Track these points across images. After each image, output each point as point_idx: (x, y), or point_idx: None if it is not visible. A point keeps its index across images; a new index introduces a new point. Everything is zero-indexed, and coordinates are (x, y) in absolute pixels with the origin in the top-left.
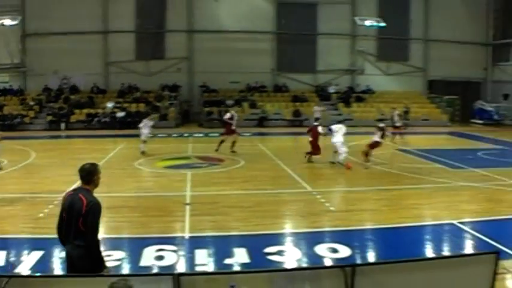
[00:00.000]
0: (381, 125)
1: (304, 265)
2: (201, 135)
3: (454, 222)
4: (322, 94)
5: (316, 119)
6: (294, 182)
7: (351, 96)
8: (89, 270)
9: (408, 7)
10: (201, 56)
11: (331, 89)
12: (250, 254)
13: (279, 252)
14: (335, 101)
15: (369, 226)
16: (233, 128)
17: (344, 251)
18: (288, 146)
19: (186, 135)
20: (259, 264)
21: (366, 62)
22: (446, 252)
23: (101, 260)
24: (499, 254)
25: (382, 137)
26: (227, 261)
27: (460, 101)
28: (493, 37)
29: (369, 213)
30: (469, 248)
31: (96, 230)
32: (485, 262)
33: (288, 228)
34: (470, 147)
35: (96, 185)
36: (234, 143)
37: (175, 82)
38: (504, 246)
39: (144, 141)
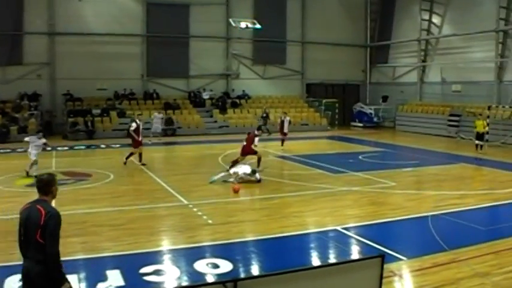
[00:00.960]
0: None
1: (184, 283)
2: (65, 148)
3: (338, 228)
4: (195, 100)
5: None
6: (168, 195)
7: (226, 102)
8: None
9: (285, 9)
10: (64, 61)
11: (205, 95)
12: (125, 275)
13: (156, 272)
14: (210, 108)
15: (250, 238)
16: (140, 139)
17: (225, 266)
18: (161, 156)
19: (48, 148)
20: (135, 286)
21: (241, 65)
22: (331, 259)
23: (60, 274)
24: (384, 258)
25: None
26: (100, 286)
27: (339, 104)
28: (371, 39)
29: (250, 224)
30: (354, 253)
31: (56, 241)
32: (371, 266)
33: (164, 245)
34: (350, 151)
35: (54, 196)
36: (140, 154)
37: (35, 90)
38: (389, 249)
39: (33, 164)
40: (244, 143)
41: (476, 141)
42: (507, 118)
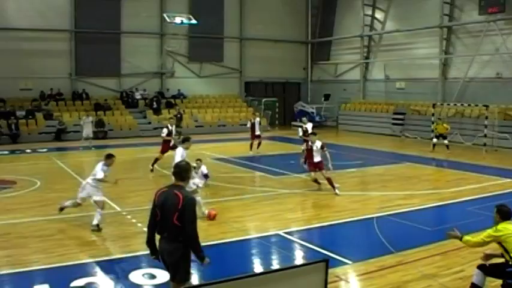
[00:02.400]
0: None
1: None
2: None
3: (280, 232)
4: (128, 101)
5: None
6: None
7: (160, 102)
8: (179, 265)
9: (222, 4)
10: None
11: (138, 95)
12: None
13: (89, 285)
14: (143, 108)
15: None
16: (171, 144)
17: (162, 276)
18: (91, 161)
19: None
20: None
21: (176, 63)
22: (274, 265)
23: (201, 252)
24: (328, 262)
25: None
26: None
27: (279, 103)
28: (312, 35)
29: None
30: (298, 258)
31: (195, 224)
32: (315, 271)
33: (97, 256)
34: (292, 152)
35: (187, 183)
36: (156, 160)
37: None
38: (334, 253)
39: None
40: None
41: (435, 140)
42: (452, 116)
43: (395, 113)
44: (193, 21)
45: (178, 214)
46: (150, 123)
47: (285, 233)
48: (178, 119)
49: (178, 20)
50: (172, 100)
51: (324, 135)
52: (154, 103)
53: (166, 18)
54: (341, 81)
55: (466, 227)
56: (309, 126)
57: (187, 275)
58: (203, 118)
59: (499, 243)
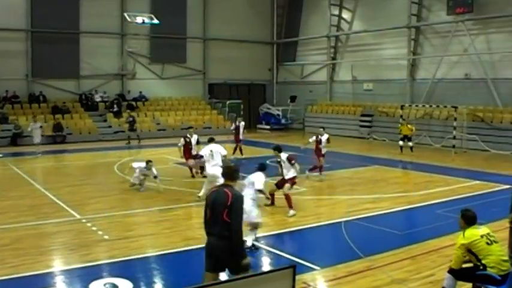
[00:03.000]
0: None
1: None
2: None
3: (246, 238)
4: (87, 103)
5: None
6: (59, 210)
7: (121, 104)
8: (230, 260)
9: (185, 3)
10: None
11: (98, 97)
12: None
13: None
14: (103, 111)
15: (151, 253)
16: (193, 154)
17: (125, 286)
18: (49, 167)
19: None
20: None
21: (137, 64)
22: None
23: (243, 248)
24: (295, 268)
25: None
26: None
27: (244, 105)
28: (278, 35)
29: (150, 239)
30: (264, 264)
31: (241, 220)
32: (282, 278)
33: (55, 265)
34: (257, 156)
35: (236, 183)
36: (191, 169)
37: None
38: (301, 259)
39: None
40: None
41: (401, 143)
42: (421, 117)
43: (362, 115)
44: (155, 21)
45: (227, 211)
46: (110, 126)
47: (252, 239)
48: (131, 124)
49: (139, 19)
50: (133, 103)
51: (290, 138)
52: (115, 106)
53: (127, 17)
54: (307, 82)
55: (435, 231)
56: (324, 137)
57: (244, 266)
58: (165, 121)
59: (468, 250)
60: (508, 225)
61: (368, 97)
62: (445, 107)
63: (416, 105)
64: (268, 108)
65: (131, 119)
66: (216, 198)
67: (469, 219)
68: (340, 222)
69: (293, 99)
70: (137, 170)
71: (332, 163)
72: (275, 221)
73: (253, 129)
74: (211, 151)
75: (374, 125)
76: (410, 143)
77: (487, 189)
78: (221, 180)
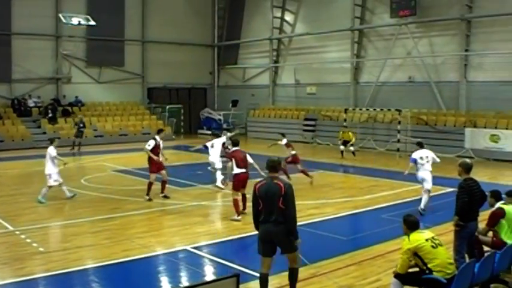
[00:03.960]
0: None
1: None
2: None
3: (188, 248)
4: (20, 109)
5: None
6: None
7: (56, 110)
8: (288, 240)
9: (123, 4)
10: None
11: (32, 102)
12: None
13: None
14: (37, 117)
15: (90, 265)
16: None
17: None
18: None
19: None
20: None
21: (73, 68)
22: (183, 282)
23: (297, 231)
24: (239, 277)
25: None
26: None
27: (184, 110)
28: (219, 38)
29: (88, 250)
30: (208, 274)
31: (295, 205)
32: (226, 287)
33: None
34: (198, 162)
35: (279, 173)
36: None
37: None
38: (245, 268)
39: None
40: None
41: (342, 147)
42: (364, 121)
43: (306, 119)
44: (92, 22)
45: (282, 199)
46: (45, 133)
47: (193, 248)
48: (80, 128)
49: (75, 20)
50: (69, 108)
51: None
52: (50, 111)
53: (62, 18)
54: (249, 86)
55: (380, 235)
56: (283, 142)
57: (295, 246)
58: (103, 127)
59: (415, 253)
60: (452, 228)
61: (311, 101)
62: (389, 110)
63: (360, 109)
64: (210, 113)
65: (82, 124)
66: (267, 190)
67: (411, 225)
68: None
69: (235, 103)
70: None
71: None
72: (217, 229)
73: (194, 134)
74: (212, 144)
75: (318, 129)
76: (352, 148)
77: (431, 193)
78: (217, 166)
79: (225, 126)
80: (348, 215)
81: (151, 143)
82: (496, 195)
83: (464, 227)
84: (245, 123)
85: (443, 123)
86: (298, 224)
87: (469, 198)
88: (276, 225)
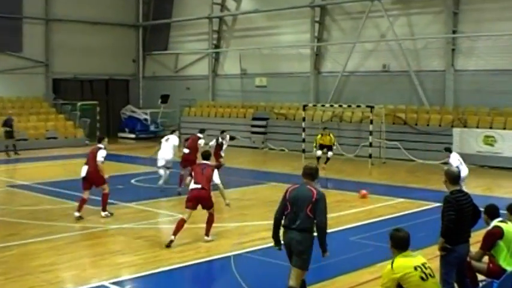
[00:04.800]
0: None
1: None
2: None
3: (106, 283)
4: None
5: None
6: None
7: None
8: (305, 253)
9: None
10: None
11: None
12: None
13: None
14: None
15: None
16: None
17: None
18: None
19: None
20: None
21: None
22: None
23: (325, 241)
24: None
25: None
26: None
27: (101, 107)
28: (145, 17)
29: None
30: None
31: (326, 215)
32: None
33: None
34: (119, 173)
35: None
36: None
37: None
38: None
39: None
40: None
41: (319, 152)
42: (328, 120)
43: (255, 119)
44: None
45: (311, 206)
46: None
47: (113, 283)
48: (9, 127)
49: None
50: None
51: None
52: None
53: None
54: (183, 77)
55: (350, 263)
56: (227, 139)
57: (308, 264)
58: None
59: (398, 285)
60: (438, 253)
61: (261, 95)
62: (359, 106)
63: (323, 105)
64: (133, 112)
65: (10, 122)
66: (298, 195)
67: (397, 242)
68: (228, 257)
69: (165, 99)
70: None
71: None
72: (144, 258)
73: (114, 138)
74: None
75: (269, 130)
76: (330, 153)
77: (412, 209)
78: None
79: (152, 128)
80: None
81: (104, 154)
82: (492, 212)
83: (451, 251)
84: (178, 124)
85: (426, 122)
86: (246, 250)
87: (458, 215)
88: (299, 233)
